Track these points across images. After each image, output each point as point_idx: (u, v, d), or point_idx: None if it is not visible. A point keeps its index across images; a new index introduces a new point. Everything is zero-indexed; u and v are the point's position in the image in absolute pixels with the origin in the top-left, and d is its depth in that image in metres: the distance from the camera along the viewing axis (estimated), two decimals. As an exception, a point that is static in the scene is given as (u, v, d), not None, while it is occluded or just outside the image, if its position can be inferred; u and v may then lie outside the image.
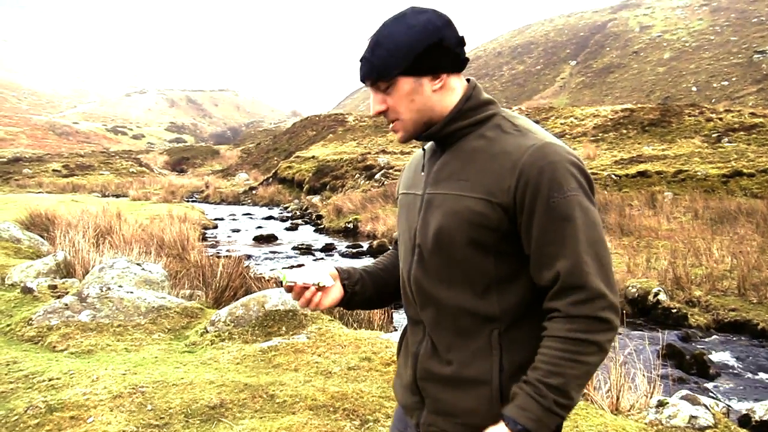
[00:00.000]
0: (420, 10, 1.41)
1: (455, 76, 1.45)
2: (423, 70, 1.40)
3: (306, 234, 19.09)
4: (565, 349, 1.28)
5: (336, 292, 1.59)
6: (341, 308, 1.68)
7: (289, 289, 1.54)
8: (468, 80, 1.50)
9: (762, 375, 6.25)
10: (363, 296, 1.65)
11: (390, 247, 1.86)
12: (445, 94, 1.43)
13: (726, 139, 23.51)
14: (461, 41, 1.43)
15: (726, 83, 51.14)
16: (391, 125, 1.49)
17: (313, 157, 35.22)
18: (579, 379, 1.28)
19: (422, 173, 1.54)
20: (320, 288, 1.55)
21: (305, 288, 1.53)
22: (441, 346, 1.44)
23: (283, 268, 1.59)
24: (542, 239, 1.32)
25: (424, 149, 1.57)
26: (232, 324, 4.67)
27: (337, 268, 1.63)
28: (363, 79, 1.46)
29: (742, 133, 23.90)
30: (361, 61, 1.45)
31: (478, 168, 1.38)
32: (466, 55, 1.46)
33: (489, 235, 1.36)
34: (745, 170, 18.04)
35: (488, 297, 1.38)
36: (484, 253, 1.37)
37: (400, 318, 7.16)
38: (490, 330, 1.38)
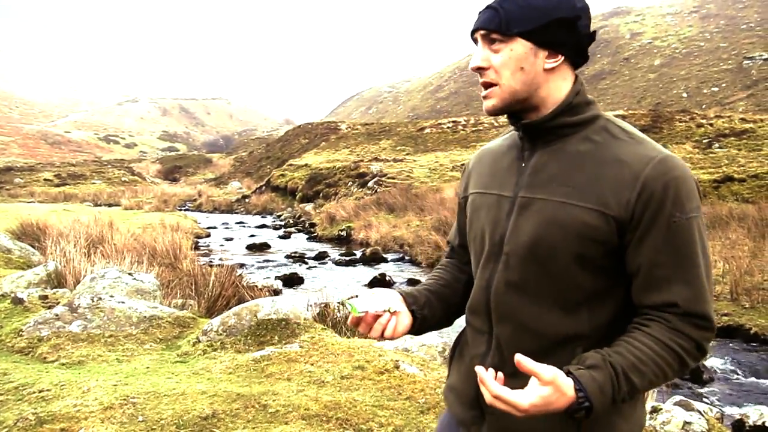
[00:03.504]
0: None
1: (570, 68, 1.33)
2: (545, 41, 1.27)
3: (299, 242, 19.06)
4: (659, 354, 1.19)
5: (406, 318, 1.44)
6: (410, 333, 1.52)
7: (357, 322, 1.40)
8: (576, 77, 1.36)
9: (755, 380, 6.25)
10: (433, 320, 1.52)
11: (445, 257, 1.70)
12: (555, 78, 1.30)
13: (717, 145, 23.66)
14: (591, 37, 1.31)
15: (716, 89, 51.48)
16: (484, 91, 1.33)
17: (306, 165, 35.21)
18: (651, 385, 1.21)
19: (509, 172, 1.39)
20: (393, 314, 1.41)
21: (377, 317, 1.40)
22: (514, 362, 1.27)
23: (349, 298, 1.46)
24: (657, 260, 1.22)
25: (521, 140, 1.39)
26: (225, 333, 4.64)
27: (400, 293, 1.48)
28: (477, 29, 1.31)
29: (732, 138, 24.07)
30: (483, 10, 1.31)
31: (588, 175, 1.26)
32: (588, 55, 1.34)
33: (595, 250, 1.24)
34: (736, 175, 18.13)
35: (578, 314, 1.28)
36: (583, 268, 1.25)
37: (394, 326, 7.13)
38: (573, 348, 1.28)
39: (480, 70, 1.32)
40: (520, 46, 1.27)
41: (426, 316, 1.49)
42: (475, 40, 1.34)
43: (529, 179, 1.33)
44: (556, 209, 1.26)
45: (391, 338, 1.42)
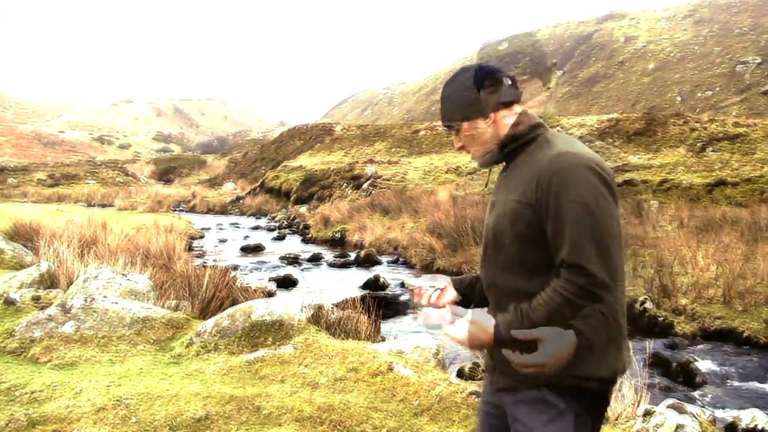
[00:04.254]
0: (465, 69, 1.90)
1: (505, 110, 1.88)
2: (474, 115, 1.87)
3: (293, 244, 19.02)
4: (551, 297, 1.67)
5: (450, 294, 2.04)
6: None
7: (412, 293, 2.06)
8: (520, 111, 1.89)
9: (748, 383, 6.28)
10: (474, 298, 2.07)
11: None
12: (498, 127, 1.88)
13: (710, 149, 23.74)
14: (499, 83, 1.86)
15: (710, 93, 51.69)
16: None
17: (300, 166, 35.16)
18: (550, 321, 1.66)
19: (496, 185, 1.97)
20: (438, 289, 2.01)
21: (424, 291, 2.02)
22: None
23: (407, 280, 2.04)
24: (555, 230, 1.69)
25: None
26: (218, 335, 4.63)
27: (452, 278, 2.09)
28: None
29: (725, 142, 24.14)
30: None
31: (520, 177, 1.80)
32: (517, 89, 1.90)
33: (526, 228, 1.75)
34: (729, 179, 18.21)
35: (535, 277, 1.76)
36: (526, 243, 1.76)
37: (388, 328, 7.13)
38: None
39: (461, 148, 1.96)
40: (465, 127, 1.91)
41: (466, 294, 2.07)
42: None
43: (498, 187, 1.93)
44: (503, 204, 1.84)
45: (435, 306, 1.99)
